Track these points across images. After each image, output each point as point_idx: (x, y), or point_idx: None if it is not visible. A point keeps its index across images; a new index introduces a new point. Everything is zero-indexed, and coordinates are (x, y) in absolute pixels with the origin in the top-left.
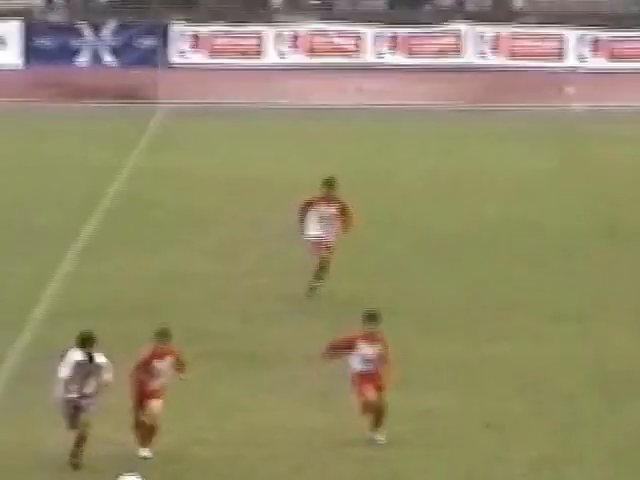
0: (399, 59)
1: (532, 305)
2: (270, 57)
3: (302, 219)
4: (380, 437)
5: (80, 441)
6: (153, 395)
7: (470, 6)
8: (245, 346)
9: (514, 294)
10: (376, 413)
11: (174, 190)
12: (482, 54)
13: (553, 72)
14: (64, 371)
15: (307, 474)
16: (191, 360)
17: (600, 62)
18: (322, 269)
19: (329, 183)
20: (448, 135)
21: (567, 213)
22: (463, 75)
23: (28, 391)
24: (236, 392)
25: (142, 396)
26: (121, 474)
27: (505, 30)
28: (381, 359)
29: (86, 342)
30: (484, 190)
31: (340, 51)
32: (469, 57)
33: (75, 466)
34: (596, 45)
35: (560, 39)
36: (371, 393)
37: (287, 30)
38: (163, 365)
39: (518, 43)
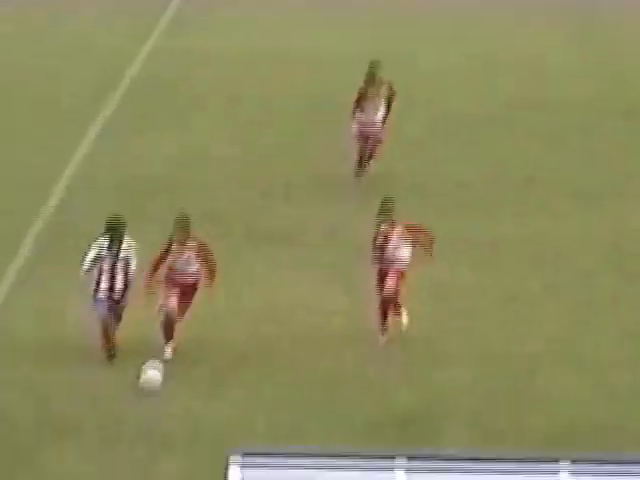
0: None
1: (550, 183)
2: None
3: (354, 111)
4: (383, 339)
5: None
6: (174, 291)
7: None
8: (264, 225)
9: (532, 172)
10: (383, 305)
11: (192, 72)
12: None
13: None
14: (88, 263)
15: (326, 355)
16: (209, 240)
17: None
18: (367, 154)
19: (372, 68)
20: (464, 11)
21: (584, 91)
22: None
23: (48, 269)
24: (255, 269)
25: (167, 288)
26: (144, 363)
27: None
28: (401, 250)
29: (111, 226)
30: (500, 68)
31: None
32: None
33: (110, 357)
34: None
35: None
36: (391, 283)
37: None
38: (183, 259)
39: None
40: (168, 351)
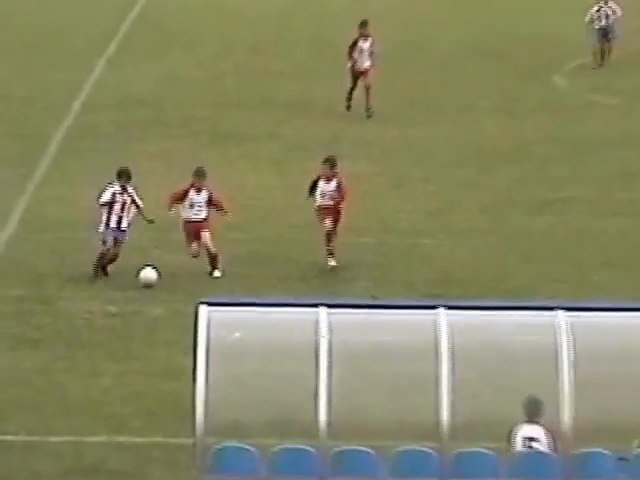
0: None
1: (425, 102)
2: None
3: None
4: (331, 262)
5: (109, 260)
6: (199, 227)
7: None
8: (222, 127)
9: (411, 95)
10: (328, 239)
11: (176, 15)
12: None
13: None
14: (105, 197)
15: (267, 221)
16: (182, 136)
17: None
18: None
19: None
20: None
21: (446, 37)
22: None
23: (72, 162)
24: (216, 160)
25: (189, 229)
26: (142, 268)
27: None
28: (338, 194)
29: (122, 175)
30: (387, 17)
31: None
32: None
33: (96, 275)
34: None
35: None
36: (329, 222)
37: None
38: (199, 197)
39: None
40: (216, 271)
